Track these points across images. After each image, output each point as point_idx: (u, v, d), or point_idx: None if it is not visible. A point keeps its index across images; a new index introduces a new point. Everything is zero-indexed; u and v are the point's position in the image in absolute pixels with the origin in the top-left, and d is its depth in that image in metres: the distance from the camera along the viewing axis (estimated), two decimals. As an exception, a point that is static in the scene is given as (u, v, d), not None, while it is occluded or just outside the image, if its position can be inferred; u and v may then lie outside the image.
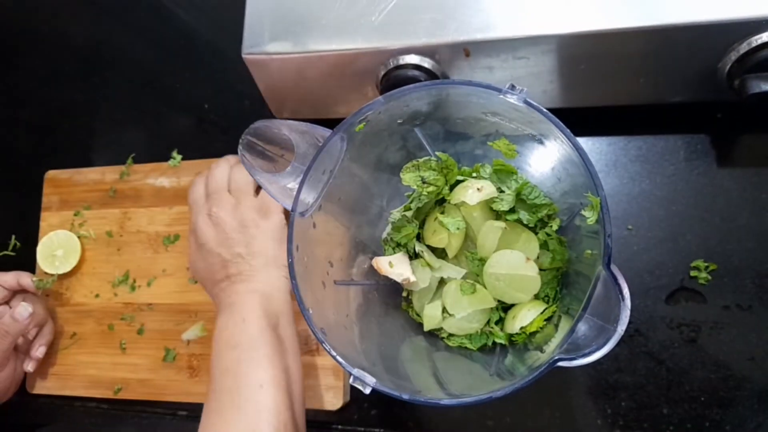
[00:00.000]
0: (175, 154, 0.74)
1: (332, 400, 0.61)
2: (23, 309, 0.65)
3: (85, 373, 0.71)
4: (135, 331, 0.70)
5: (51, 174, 0.79)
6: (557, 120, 0.37)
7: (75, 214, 0.76)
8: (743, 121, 0.59)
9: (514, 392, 0.35)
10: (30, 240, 0.77)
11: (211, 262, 0.58)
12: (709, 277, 0.57)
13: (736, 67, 0.50)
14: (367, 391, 0.37)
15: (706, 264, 0.57)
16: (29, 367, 0.69)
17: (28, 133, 0.85)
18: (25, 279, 0.70)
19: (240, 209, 0.59)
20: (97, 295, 0.73)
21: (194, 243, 0.60)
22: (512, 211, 0.47)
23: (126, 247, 0.73)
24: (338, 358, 0.38)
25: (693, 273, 0.57)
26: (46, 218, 0.77)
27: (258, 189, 0.61)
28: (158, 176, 0.74)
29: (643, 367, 0.57)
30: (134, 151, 0.76)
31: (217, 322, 0.55)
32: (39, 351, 0.69)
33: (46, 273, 0.73)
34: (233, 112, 0.76)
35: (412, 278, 0.47)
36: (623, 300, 0.34)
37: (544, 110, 0.38)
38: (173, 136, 0.76)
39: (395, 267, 0.47)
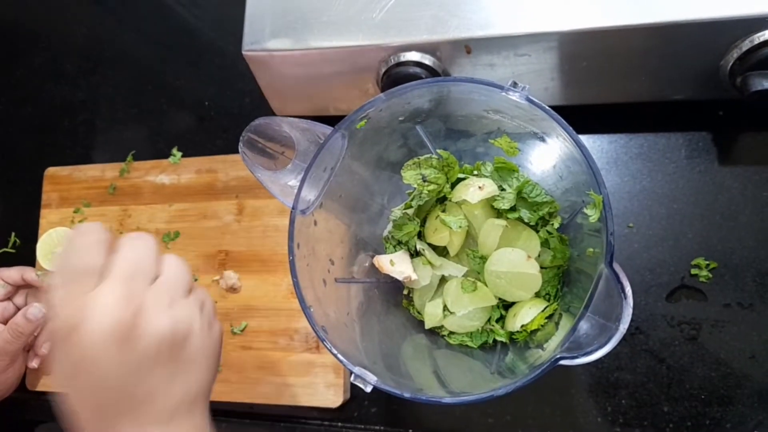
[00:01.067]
0: (175, 151, 0.74)
1: (332, 398, 0.61)
2: (37, 309, 0.65)
3: (85, 370, 0.71)
4: (135, 328, 0.70)
5: (51, 171, 0.79)
6: (560, 118, 0.37)
7: (75, 211, 0.76)
8: (745, 118, 0.59)
9: (515, 391, 0.35)
10: (30, 237, 0.77)
11: (109, 385, 0.34)
12: (710, 275, 0.57)
13: (738, 65, 0.49)
14: (368, 389, 0.36)
15: (707, 262, 0.57)
16: (34, 363, 0.69)
17: (29, 130, 0.84)
18: (29, 274, 0.70)
19: (179, 305, 0.37)
20: (97, 293, 0.73)
21: (71, 346, 0.34)
22: (513, 209, 0.47)
23: (126, 245, 0.73)
24: (339, 356, 0.38)
25: (694, 271, 0.57)
26: (46, 215, 0.77)
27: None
28: (158, 173, 0.74)
29: (643, 365, 0.57)
30: (134, 148, 0.76)
31: None
32: (44, 348, 0.69)
33: (46, 270, 0.73)
34: (234, 109, 0.76)
35: (414, 276, 0.47)
36: (625, 298, 0.33)
37: (547, 108, 0.37)
38: (173, 134, 0.76)
39: (396, 265, 0.47)
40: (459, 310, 0.47)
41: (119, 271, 0.35)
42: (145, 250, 0.38)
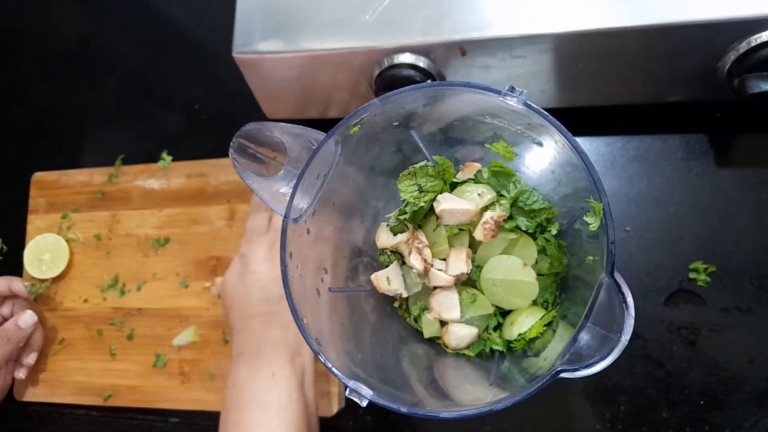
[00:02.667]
0: (165, 155, 0.72)
1: (327, 407, 0.60)
2: (29, 317, 0.65)
3: (74, 379, 0.70)
4: (125, 336, 0.69)
5: (38, 176, 0.77)
6: (558, 123, 0.36)
7: (63, 217, 0.74)
8: (742, 120, 0.58)
9: (515, 404, 0.34)
10: (17, 244, 0.76)
11: (253, 294, 0.54)
12: (708, 279, 0.56)
13: (735, 67, 0.49)
14: (364, 404, 0.35)
15: (704, 266, 0.56)
16: (21, 374, 0.68)
17: (15, 134, 0.83)
18: (16, 284, 0.68)
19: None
20: (85, 300, 0.71)
21: (240, 267, 0.56)
22: (510, 218, 0.46)
23: (115, 251, 0.72)
24: (334, 370, 0.37)
25: (692, 275, 0.56)
26: (33, 221, 0.76)
27: None
28: (147, 178, 0.72)
29: (642, 370, 0.56)
30: (123, 152, 0.75)
31: (239, 366, 0.52)
32: (30, 357, 0.68)
33: (33, 278, 0.72)
34: (224, 112, 0.74)
35: (405, 293, 0.47)
36: (627, 309, 0.33)
37: (545, 113, 0.37)
38: (163, 137, 0.75)
39: (392, 283, 0.47)
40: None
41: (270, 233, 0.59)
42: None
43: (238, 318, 0.55)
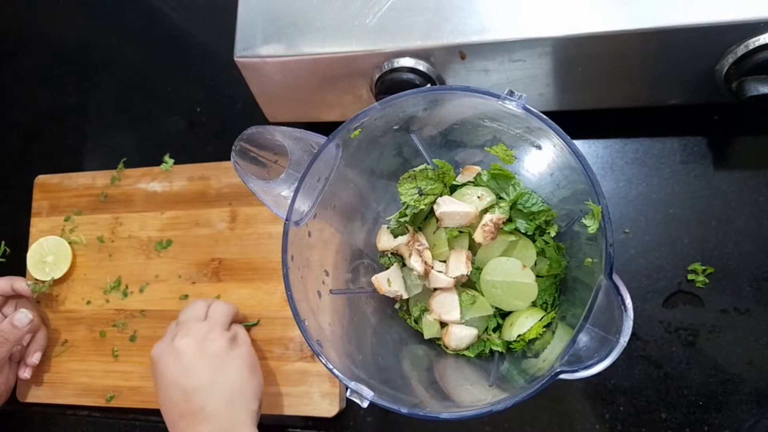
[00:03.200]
0: (167, 158, 0.73)
1: (328, 407, 0.61)
2: (23, 316, 0.64)
3: (76, 380, 0.70)
4: (127, 338, 0.69)
5: (40, 179, 0.77)
6: (558, 127, 0.37)
7: (65, 220, 0.75)
8: (740, 123, 0.59)
9: (514, 405, 0.34)
10: (20, 246, 0.76)
11: (171, 395, 0.53)
12: (707, 281, 0.56)
13: (733, 70, 0.49)
14: (365, 404, 0.36)
15: (703, 267, 0.57)
16: (26, 373, 0.68)
17: (17, 138, 0.83)
18: (19, 284, 0.69)
19: (209, 337, 0.55)
20: (88, 302, 0.72)
21: (154, 375, 0.56)
22: (509, 220, 0.46)
23: (117, 253, 0.72)
24: (335, 371, 0.37)
25: (690, 276, 0.57)
26: (36, 224, 0.76)
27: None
28: (150, 181, 0.73)
29: (641, 371, 0.56)
30: (125, 155, 0.75)
31: None
32: (35, 357, 0.68)
33: (36, 280, 0.72)
34: (226, 116, 0.75)
35: (405, 295, 0.47)
36: (626, 310, 0.33)
37: (544, 117, 0.37)
38: (165, 140, 0.75)
39: (393, 285, 0.47)
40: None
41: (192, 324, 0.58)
42: (199, 306, 0.61)
43: (174, 427, 0.53)
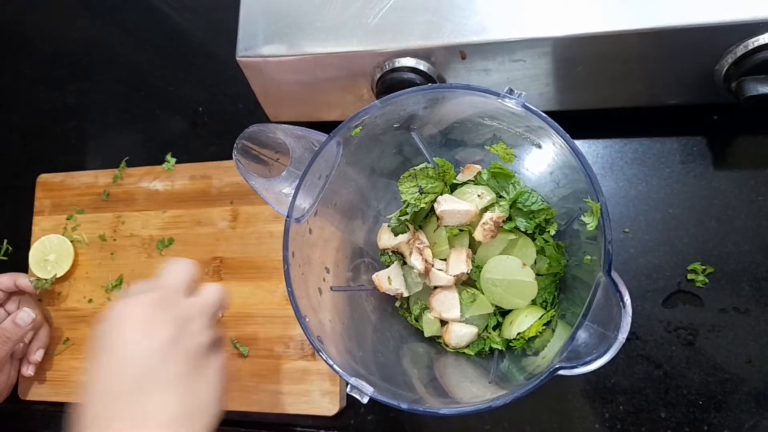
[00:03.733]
0: (169, 157, 0.73)
1: (328, 406, 0.61)
2: (26, 314, 0.65)
3: (78, 379, 0.70)
4: (129, 336, 0.69)
5: (43, 178, 0.78)
6: (557, 125, 0.37)
7: (68, 218, 0.75)
8: (740, 123, 0.59)
9: (513, 401, 0.34)
10: (22, 245, 0.76)
11: (117, 370, 0.38)
12: (707, 280, 0.56)
13: (733, 70, 0.49)
14: (365, 400, 0.36)
15: (703, 267, 0.57)
16: (29, 370, 0.68)
17: (20, 137, 0.84)
18: (22, 280, 0.69)
19: (194, 326, 0.41)
20: (90, 300, 0.72)
21: (101, 334, 0.40)
22: (509, 219, 0.46)
23: (119, 252, 0.73)
24: (335, 367, 0.37)
25: (690, 276, 0.57)
26: (39, 222, 0.77)
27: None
28: (152, 180, 0.73)
29: (640, 370, 0.56)
30: (128, 154, 0.76)
31: None
32: (37, 354, 0.68)
33: (39, 278, 0.72)
34: (228, 115, 0.75)
35: (405, 293, 0.48)
36: (624, 307, 0.33)
37: (544, 115, 0.37)
38: (167, 140, 0.76)
39: (393, 282, 0.47)
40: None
41: (159, 291, 0.42)
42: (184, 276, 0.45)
43: (89, 388, 0.38)
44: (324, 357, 0.38)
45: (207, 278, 0.69)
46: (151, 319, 0.39)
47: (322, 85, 0.58)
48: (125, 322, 0.40)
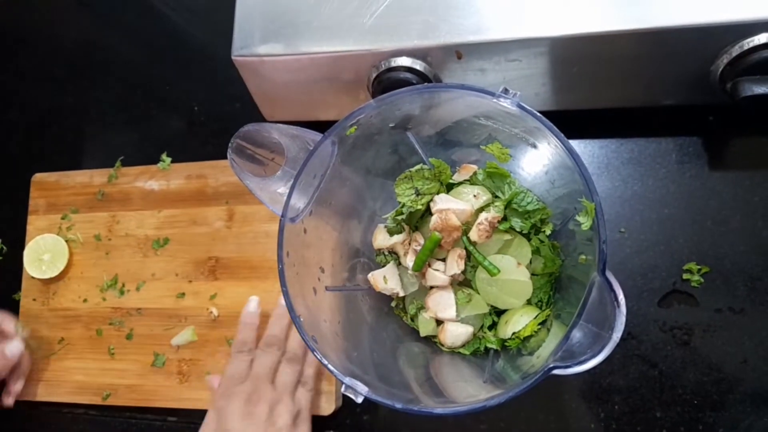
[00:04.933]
0: (164, 156, 0.73)
1: (324, 405, 0.61)
2: (15, 347, 0.65)
3: (72, 378, 0.70)
4: (124, 336, 0.69)
5: (38, 177, 0.78)
6: (552, 125, 0.37)
7: (62, 218, 0.75)
8: (735, 123, 0.59)
9: (508, 401, 0.34)
10: (17, 244, 0.76)
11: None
12: (702, 280, 0.57)
13: (728, 70, 0.49)
14: (359, 400, 0.36)
15: (698, 267, 0.57)
16: (9, 401, 0.68)
17: (16, 136, 0.83)
18: (7, 325, 0.68)
19: (278, 410, 0.53)
20: (85, 300, 0.72)
21: (215, 425, 0.53)
22: (504, 219, 0.46)
23: (114, 251, 0.72)
24: (330, 366, 0.37)
25: (685, 276, 0.57)
26: (33, 222, 0.76)
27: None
28: (147, 179, 0.73)
29: (636, 370, 0.57)
30: (123, 153, 0.75)
31: None
32: (18, 384, 0.68)
33: (33, 278, 0.72)
34: (223, 114, 0.75)
35: (401, 293, 0.48)
36: (618, 306, 0.33)
37: (539, 115, 0.37)
38: (162, 139, 0.76)
39: (389, 282, 0.47)
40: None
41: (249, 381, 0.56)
42: (270, 359, 0.57)
43: None
44: (318, 357, 0.38)
45: (202, 278, 0.68)
46: (248, 415, 0.52)
47: (318, 84, 0.58)
48: (230, 414, 0.52)
